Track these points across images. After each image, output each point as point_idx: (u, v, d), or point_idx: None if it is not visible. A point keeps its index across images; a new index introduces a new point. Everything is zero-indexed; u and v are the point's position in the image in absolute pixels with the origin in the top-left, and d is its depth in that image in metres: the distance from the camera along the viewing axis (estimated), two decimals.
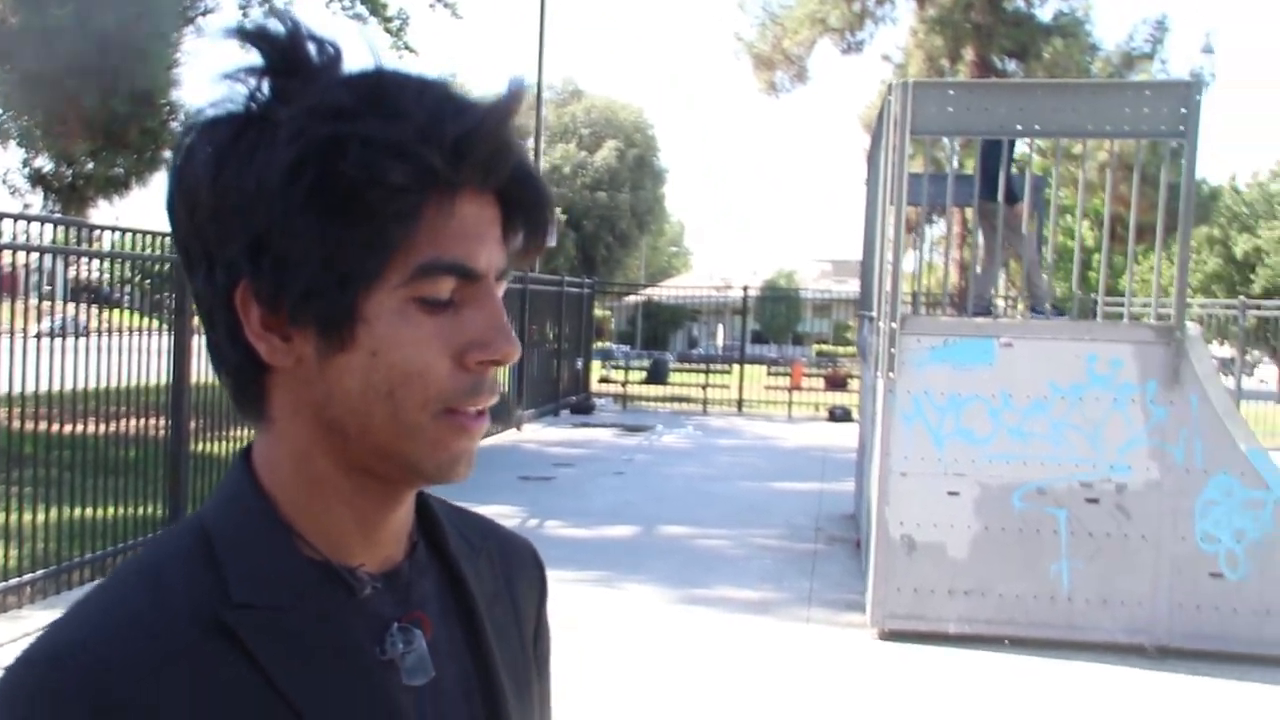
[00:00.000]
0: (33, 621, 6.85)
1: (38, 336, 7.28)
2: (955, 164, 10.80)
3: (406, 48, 18.90)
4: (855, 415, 21.23)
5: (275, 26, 0.84)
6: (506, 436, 16.69)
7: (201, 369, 9.09)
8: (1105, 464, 7.05)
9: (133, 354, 8.24)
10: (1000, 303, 11.41)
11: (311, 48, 0.85)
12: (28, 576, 7.15)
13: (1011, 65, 23.30)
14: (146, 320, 8.96)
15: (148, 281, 9.22)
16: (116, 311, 8.91)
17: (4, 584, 6.95)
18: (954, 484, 7.16)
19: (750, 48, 23.77)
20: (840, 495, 12.15)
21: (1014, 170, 8.82)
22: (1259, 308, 29.09)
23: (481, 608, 0.97)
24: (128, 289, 9.69)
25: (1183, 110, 7.16)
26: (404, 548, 0.93)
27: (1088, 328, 7.39)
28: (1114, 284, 22.77)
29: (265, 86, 0.84)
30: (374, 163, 0.79)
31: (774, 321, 47.83)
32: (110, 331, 8.04)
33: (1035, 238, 9.04)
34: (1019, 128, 7.55)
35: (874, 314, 8.46)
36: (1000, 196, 8.41)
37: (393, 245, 0.82)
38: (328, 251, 0.81)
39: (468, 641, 0.95)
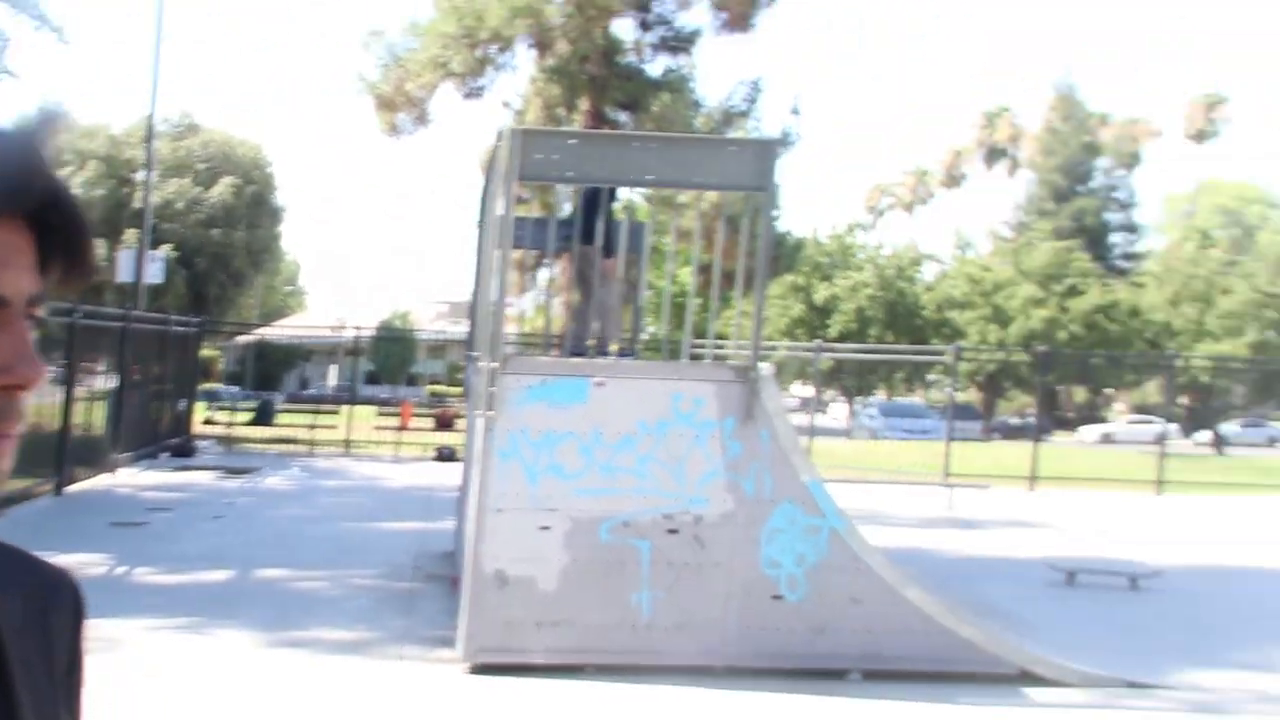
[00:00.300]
0: None
1: None
2: (569, 209, 11.21)
3: (5, 71, 17.57)
4: (461, 455, 21.44)
5: None
6: (100, 481, 15.73)
7: None
8: (686, 496, 7.49)
9: None
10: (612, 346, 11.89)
11: None
12: None
13: (623, 117, 24.27)
14: None
15: None
16: None
17: None
18: (546, 519, 7.40)
19: (373, 88, 23.59)
20: (442, 533, 12.21)
21: (613, 219, 9.23)
22: (833, 350, 31.60)
23: (7, 641, 0.98)
24: None
25: (763, 166, 7.76)
26: None
27: (674, 368, 7.87)
28: (717, 328, 24.19)
29: None
30: None
31: (388, 362, 47.44)
32: None
33: (617, 285, 9.49)
34: (621, 177, 7.94)
35: (478, 354, 8.65)
36: (596, 243, 8.79)
37: None
38: None
39: None
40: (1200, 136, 76.64)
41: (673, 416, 7.53)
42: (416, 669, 7.35)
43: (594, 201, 8.96)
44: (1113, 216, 71.64)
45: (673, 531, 7.49)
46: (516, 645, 7.33)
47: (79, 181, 42.87)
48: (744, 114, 25.17)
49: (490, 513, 7.39)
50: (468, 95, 24.13)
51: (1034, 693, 7.32)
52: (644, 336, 11.76)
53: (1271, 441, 41.46)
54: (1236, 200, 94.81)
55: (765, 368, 7.80)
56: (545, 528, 7.41)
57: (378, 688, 6.93)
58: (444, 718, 6.49)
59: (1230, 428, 42.61)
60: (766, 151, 7.86)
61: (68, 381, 14.58)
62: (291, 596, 9.19)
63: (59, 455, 14.33)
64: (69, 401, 14.61)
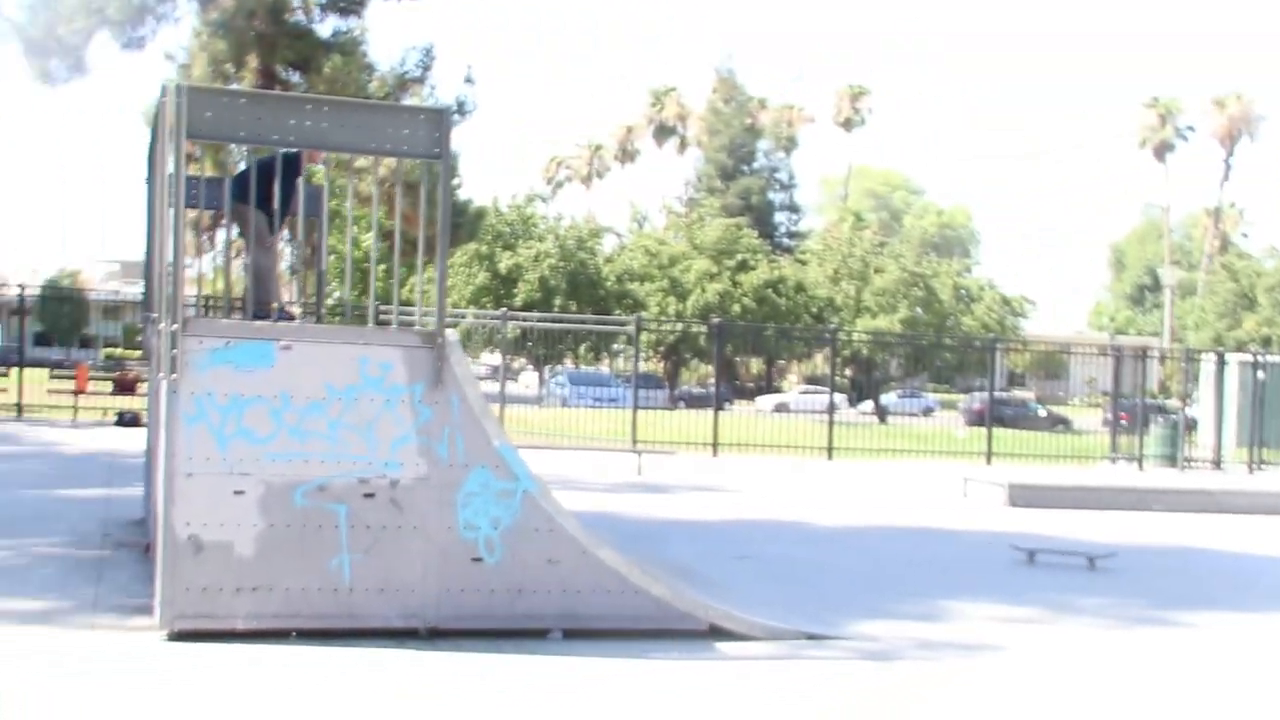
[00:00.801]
0: None
1: None
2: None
3: None
4: (145, 419, 20.57)
5: None
6: None
7: None
8: (380, 461, 7.60)
9: None
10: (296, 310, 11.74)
11: None
12: None
13: (295, 77, 23.72)
14: None
15: None
16: None
17: None
18: (239, 483, 7.35)
19: (20, 31, 22.08)
20: (130, 500, 11.81)
21: (293, 182, 9.12)
22: (519, 319, 32.02)
23: None
24: None
25: (436, 133, 7.89)
26: None
27: (360, 332, 7.94)
28: (401, 294, 24.04)
29: None
30: None
31: (59, 323, 44.60)
32: None
33: (274, 249, 9.42)
34: (293, 139, 7.87)
35: (156, 315, 8.43)
36: (251, 203, 8.59)
37: None
38: None
39: None
40: (848, 124, 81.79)
41: (361, 381, 7.61)
42: (111, 637, 7.18)
43: (266, 164, 8.83)
44: (776, 196, 75.51)
45: (369, 495, 7.59)
46: (216, 611, 7.27)
47: None
48: (418, 80, 25.09)
49: (180, 477, 7.28)
50: (127, 45, 23.00)
51: (724, 646, 7.86)
52: (328, 301, 11.70)
53: (927, 411, 44.95)
54: (883, 185, 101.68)
55: (451, 334, 7.97)
56: (239, 492, 7.37)
57: (70, 657, 6.74)
58: (143, 685, 6.39)
59: (890, 398, 45.86)
60: (441, 119, 7.99)
61: None
62: None
63: None
64: None
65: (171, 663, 6.80)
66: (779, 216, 75.61)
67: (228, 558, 7.32)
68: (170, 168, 7.46)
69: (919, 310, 49.59)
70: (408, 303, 12.26)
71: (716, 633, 8.04)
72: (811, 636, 8.26)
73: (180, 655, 6.94)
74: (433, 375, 7.67)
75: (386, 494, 7.61)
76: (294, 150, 8.75)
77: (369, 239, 26.42)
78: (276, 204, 8.36)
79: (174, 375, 7.24)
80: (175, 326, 7.26)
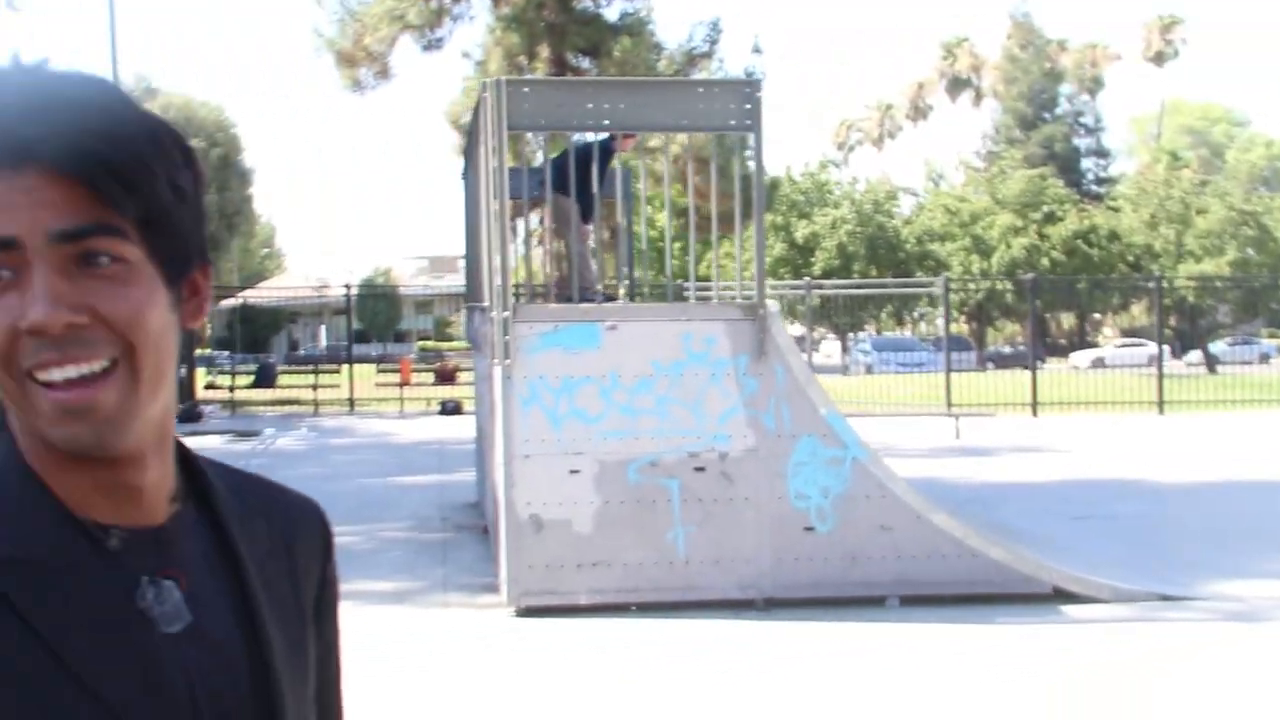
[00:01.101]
0: None
1: None
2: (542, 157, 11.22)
3: None
4: (467, 407, 21.54)
5: None
6: None
7: None
8: (708, 434, 7.63)
9: None
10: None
11: None
12: None
13: (585, 63, 24.17)
14: None
15: None
16: None
17: None
18: (574, 462, 7.54)
19: (331, 44, 23.40)
20: (461, 485, 12.38)
21: (607, 167, 9.25)
22: (821, 288, 31.69)
23: (249, 563, 1.06)
24: None
25: (747, 105, 7.83)
26: (165, 510, 1.02)
27: (682, 309, 7.98)
28: (700, 271, 24.28)
29: None
30: None
31: (376, 319, 47.39)
32: None
33: (590, 233, 9.54)
34: (610, 122, 8.00)
35: (485, 305, 8.73)
36: (571, 192, 8.77)
37: None
38: None
39: (236, 594, 1.04)
40: (1159, 59, 76.69)
41: (686, 356, 7.66)
42: (463, 615, 7.52)
43: (580, 151, 8.97)
44: (1081, 142, 71.77)
45: (699, 469, 7.64)
46: (559, 587, 7.49)
47: None
48: (706, 55, 25.09)
49: (518, 459, 7.52)
50: (427, 47, 23.97)
51: (1070, 610, 7.51)
52: (625, 282, 11.84)
53: (1263, 358, 41.78)
54: (1201, 120, 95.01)
55: (772, 305, 7.92)
56: (575, 471, 7.54)
57: (428, 634, 7.08)
58: (498, 659, 6.64)
59: (1220, 347, 42.93)
60: (752, 91, 7.93)
61: None
62: None
63: None
64: None
65: (523, 638, 7.04)
66: (1086, 163, 71.96)
67: (567, 535, 7.51)
68: (494, 161, 7.68)
69: (1250, 251, 46.17)
70: (704, 278, 12.29)
71: (1061, 595, 7.69)
72: (1165, 597, 7.78)
73: (529, 630, 7.18)
74: (756, 347, 7.63)
75: (716, 467, 7.63)
76: (605, 137, 8.87)
77: (663, 219, 26.77)
78: (595, 188, 8.48)
79: (508, 361, 7.47)
80: (506, 314, 7.48)
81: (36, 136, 0.90)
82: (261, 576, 1.07)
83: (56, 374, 0.91)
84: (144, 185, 0.94)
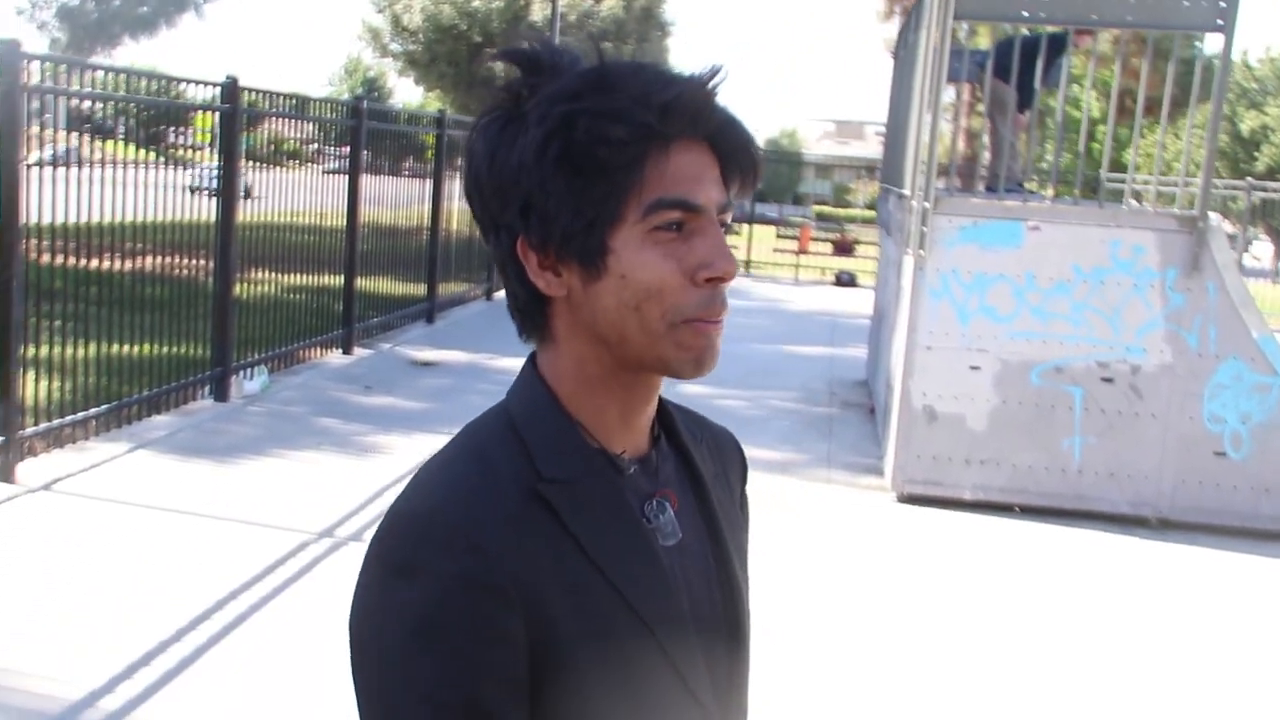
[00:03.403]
0: (98, 453, 7.21)
1: (38, 164, 6.94)
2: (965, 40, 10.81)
3: None
4: (862, 281, 21.53)
5: (524, 45, 1.13)
6: None
7: (247, 212, 9.32)
8: (1122, 345, 7.38)
9: (151, 190, 8.06)
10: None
11: (553, 56, 1.12)
12: (91, 410, 7.46)
13: None
14: (143, 154, 8.93)
15: (148, 114, 9.18)
16: (111, 143, 8.90)
17: (70, 418, 7.25)
18: (976, 359, 7.49)
19: None
20: (850, 361, 12.51)
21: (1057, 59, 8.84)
22: (1264, 189, 29.15)
23: (709, 485, 1.25)
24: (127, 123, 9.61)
25: (1221, 3, 7.30)
26: (649, 439, 1.20)
27: (1112, 214, 7.65)
28: (1118, 158, 22.82)
29: (525, 89, 1.12)
30: (598, 128, 1.06)
31: (775, 182, 47.64)
32: (113, 164, 7.83)
33: (1023, 124, 9.15)
34: (1061, 15, 7.68)
35: (903, 190, 8.68)
36: (1013, 80, 8.46)
37: (625, 190, 1.08)
38: (577, 203, 1.08)
39: (701, 511, 1.23)
40: None
41: (1110, 264, 7.38)
42: (845, 493, 7.71)
43: (1030, 40, 8.62)
44: None
45: (1107, 380, 7.42)
46: (945, 480, 7.54)
47: None
48: None
49: (920, 349, 7.54)
50: None
51: None
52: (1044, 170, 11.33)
53: None
54: None
55: (1214, 218, 7.46)
56: (975, 368, 7.50)
57: (811, 508, 7.34)
58: (876, 540, 6.82)
59: None
60: None
61: None
62: (716, 413, 9.53)
63: (488, 265, 15.53)
64: None
65: (903, 524, 7.17)
66: None
67: (959, 430, 7.52)
68: (935, 46, 7.55)
69: None
70: (1120, 166, 11.58)
71: None
72: None
73: (910, 517, 7.30)
74: (1189, 260, 7.25)
75: (1126, 379, 7.39)
76: (1057, 30, 8.49)
77: (1095, 105, 25.22)
78: (1038, 82, 8.18)
79: (921, 251, 7.45)
80: (927, 205, 7.44)
81: (719, 121, 1.11)
82: (715, 496, 1.25)
83: (715, 314, 1.11)
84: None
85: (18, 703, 4.17)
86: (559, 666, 1.05)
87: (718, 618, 1.20)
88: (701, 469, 1.25)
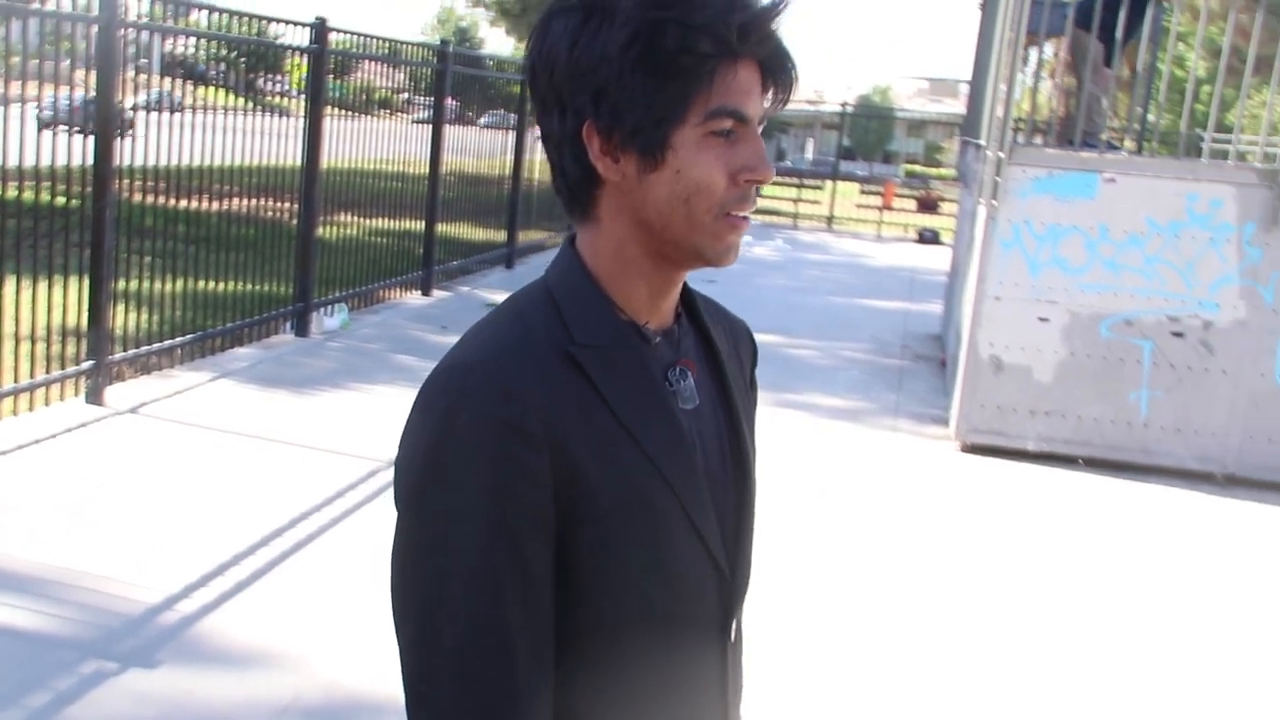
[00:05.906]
0: (182, 381, 7.49)
1: (133, 109, 7.33)
2: None
3: None
4: (944, 239, 21.35)
5: None
6: None
7: (330, 154, 9.55)
8: (1194, 300, 7.32)
9: (241, 135, 8.38)
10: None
11: None
12: (177, 340, 7.75)
13: None
14: (239, 100, 9.18)
15: (242, 61, 9.40)
16: (210, 90, 9.19)
17: (156, 346, 7.54)
18: (1045, 310, 7.48)
19: None
20: (926, 316, 12.49)
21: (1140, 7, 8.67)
22: None
23: (724, 360, 1.38)
24: (222, 68, 9.88)
25: None
26: (673, 316, 1.33)
27: (1190, 167, 7.56)
28: (1224, 119, 22.26)
29: None
30: (685, 38, 1.18)
31: (865, 138, 47.16)
32: (207, 109, 8.16)
33: (1110, 76, 8.98)
34: None
35: (980, 141, 8.64)
36: (1094, 31, 8.32)
37: (694, 95, 1.20)
38: (649, 100, 1.20)
39: (716, 382, 1.36)
40: None
41: (1186, 218, 7.32)
42: (909, 441, 7.76)
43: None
44: None
45: (1177, 334, 7.37)
46: (1009, 430, 7.56)
47: None
48: None
49: (988, 300, 7.55)
50: None
51: None
52: (1135, 127, 11.10)
53: None
54: None
55: None
56: (1044, 319, 7.49)
57: (874, 455, 7.41)
58: (938, 488, 6.88)
59: None
60: None
61: None
62: (786, 362, 9.80)
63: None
64: None
65: (966, 473, 7.21)
66: None
67: (1026, 381, 7.52)
68: None
69: None
70: (1228, 129, 11.36)
71: None
72: None
73: (973, 466, 7.33)
74: (1268, 215, 7.17)
75: (1197, 334, 7.34)
76: None
77: (1192, 59, 24.65)
78: (1120, 34, 8.04)
79: (994, 201, 7.44)
80: (1001, 154, 7.42)
81: (775, 44, 1.23)
82: (729, 370, 1.38)
83: (747, 209, 1.25)
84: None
85: (103, 604, 4.42)
86: (584, 517, 1.18)
87: (728, 479, 1.33)
88: (719, 344, 1.38)
